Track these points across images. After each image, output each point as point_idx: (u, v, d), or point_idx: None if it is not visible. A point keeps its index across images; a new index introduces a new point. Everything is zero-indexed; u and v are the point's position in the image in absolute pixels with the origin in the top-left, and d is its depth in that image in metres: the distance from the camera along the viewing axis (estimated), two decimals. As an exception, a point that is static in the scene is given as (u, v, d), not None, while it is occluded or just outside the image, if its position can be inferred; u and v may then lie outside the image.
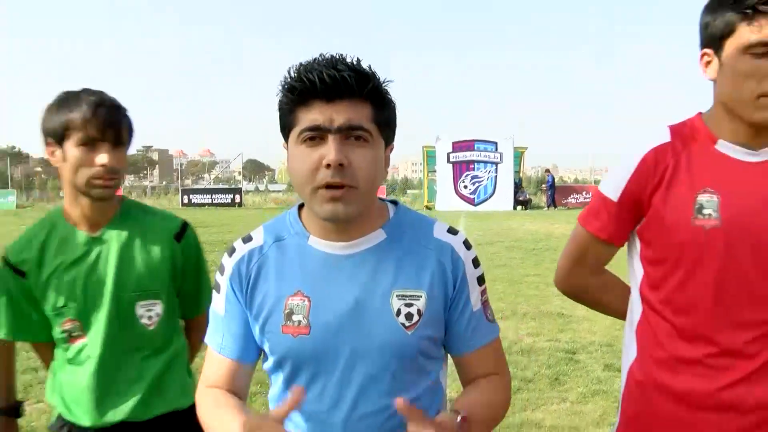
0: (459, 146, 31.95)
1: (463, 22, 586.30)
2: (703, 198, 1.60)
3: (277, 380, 1.44)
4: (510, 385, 1.54)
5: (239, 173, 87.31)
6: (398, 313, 1.35)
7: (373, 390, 1.36)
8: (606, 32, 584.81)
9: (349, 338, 1.35)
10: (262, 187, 74.28)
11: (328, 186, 1.27)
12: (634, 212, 1.72)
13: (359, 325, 1.35)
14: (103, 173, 1.88)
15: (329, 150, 1.27)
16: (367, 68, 1.32)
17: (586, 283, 1.91)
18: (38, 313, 2.00)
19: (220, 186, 43.70)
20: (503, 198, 30.76)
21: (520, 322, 7.32)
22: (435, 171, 32.72)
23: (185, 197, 34.46)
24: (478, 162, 31.94)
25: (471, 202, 31.15)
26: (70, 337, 1.99)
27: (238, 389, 1.47)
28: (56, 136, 1.90)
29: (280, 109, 1.37)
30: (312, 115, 1.29)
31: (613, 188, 1.73)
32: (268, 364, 1.45)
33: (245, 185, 46.70)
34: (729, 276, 1.58)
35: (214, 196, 34.35)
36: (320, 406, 1.37)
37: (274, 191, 49.28)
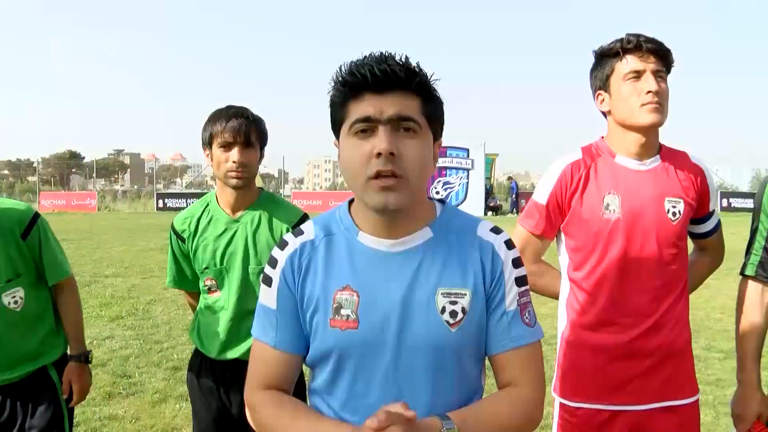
0: (436, 162, 32.31)
1: (438, 29, 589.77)
2: (608, 198, 2.14)
3: (322, 373, 1.46)
4: (539, 398, 1.46)
5: (211, 177, 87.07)
6: (443, 310, 1.37)
7: (416, 385, 1.38)
8: (583, 33, 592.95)
9: (395, 334, 1.37)
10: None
11: (379, 175, 1.31)
12: (558, 212, 2.22)
13: (405, 322, 1.37)
14: (235, 167, 2.44)
15: (380, 140, 1.30)
16: (415, 65, 1.37)
17: (528, 271, 2.28)
18: (191, 269, 2.66)
19: (195, 190, 43.49)
20: (474, 204, 31.13)
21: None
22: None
23: (160, 201, 34.32)
24: (450, 168, 32.32)
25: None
26: (209, 291, 2.58)
27: (291, 384, 1.51)
28: (206, 142, 2.53)
29: (332, 104, 1.41)
30: (363, 107, 1.33)
31: (542, 195, 2.25)
32: (312, 356, 1.46)
33: (218, 190, 46.48)
34: (629, 255, 2.11)
35: (189, 200, 33.94)
36: (364, 399, 1.39)
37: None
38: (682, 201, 2.15)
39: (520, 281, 1.45)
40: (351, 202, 1.50)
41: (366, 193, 1.34)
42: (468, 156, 32.26)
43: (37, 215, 2.54)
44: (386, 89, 1.32)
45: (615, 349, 2.14)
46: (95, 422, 4.58)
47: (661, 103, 2.08)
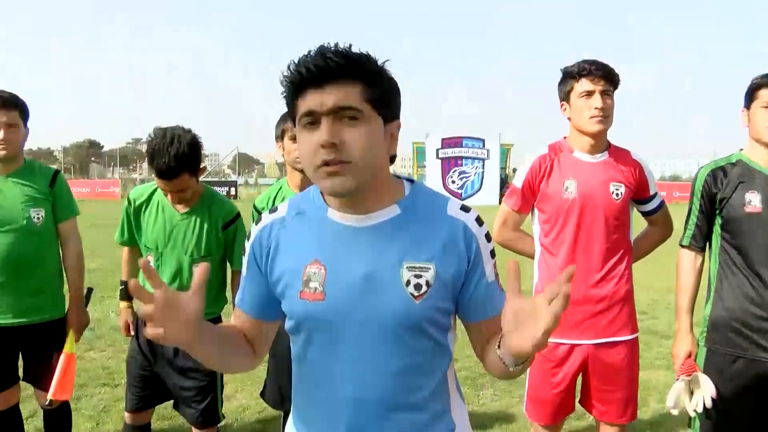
0: (448, 143, 32.90)
1: (457, 24, 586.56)
2: (567, 182, 2.81)
3: (296, 342, 1.55)
4: None
5: (227, 167, 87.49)
6: (408, 283, 1.42)
7: (383, 354, 1.44)
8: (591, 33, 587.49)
9: (361, 306, 1.42)
10: (251, 181, 74.72)
11: (325, 163, 1.36)
12: (530, 193, 2.91)
13: (371, 294, 1.42)
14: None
15: (321, 132, 1.35)
16: (356, 53, 1.39)
17: (509, 237, 3.10)
18: None
19: (212, 179, 44.23)
20: (489, 193, 31.74)
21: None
22: (424, 166, 33.65)
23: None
24: (466, 158, 32.92)
25: (458, 196, 32.10)
26: None
27: (252, 338, 1.64)
28: (279, 136, 3.08)
29: (286, 103, 1.46)
30: (306, 102, 1.37)
31: (518, 181, 2.95)
32: (288, 325, 1.55)
33: (236, 179, 47.59)
34: (583, 225, 2.80)
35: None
36: (335, 366, 1.46)
37: (264, 185, 49.84)
38: (623, 185, 2.81)
39: (492, 254, 1.53)
40: None
41: (317, 180, 1.41)
42: (483, 146, 32.84)
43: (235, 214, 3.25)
44: (324, 82, 1.35)
45: (573, 296, 2.76)
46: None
47: (605, 115, 2.76)
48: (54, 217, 3.30)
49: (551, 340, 2.77)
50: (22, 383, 3.40)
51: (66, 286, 3.41)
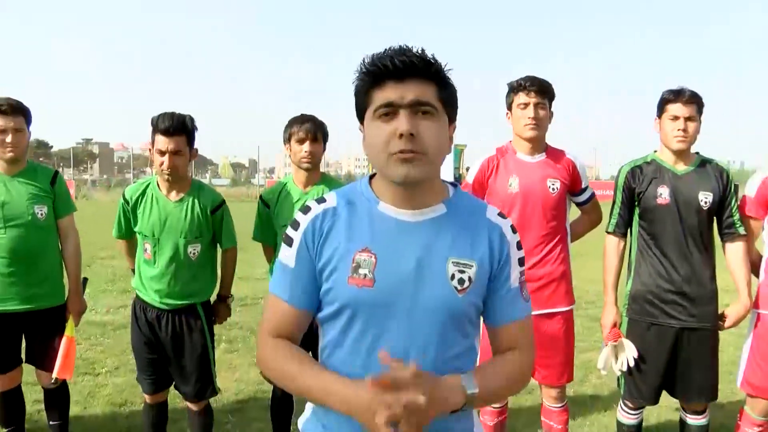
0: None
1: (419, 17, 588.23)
2: (511, 179, 3.29)
3: (333, 327, 1.57)
4: (531, 363, 1.66)
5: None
6: (452, 277, 1.50)
7: (423, 343, 1.51)
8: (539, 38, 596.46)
9: (408, 294, 1.49)
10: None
11: (401, 152, 1.44)
12: (480, 188, 3.37)
13: (417, 284, 1.49)
14: (306, 156, 3.56)
15: (401, 122, 1.44)
16: (431, 56, 1.50)
17: None
18: (274, 230, 3.71)
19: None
20: (445, 192, 32.31)
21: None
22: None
23: None
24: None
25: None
26: None
27: (299, 336, 1.64)
28: (286, 140, 3.67)
29: (357, 93, 1.55)
30: (386, 94, 1.46)
31: (470, 178, 3.41)
32: (325, 312, 1.58)
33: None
34: (524, 215, 3.26)
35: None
36: (372, 353, 1.50)
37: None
38: (558, 180, 3.30)
39: (521, 262, 1.62)
40: (371, 177, 1.65)
41: (388, 166, 1.48)
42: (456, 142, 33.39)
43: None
44: (406, 77, 1.46)
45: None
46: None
47: (538, 124, 3.25)
48: (54, 213, 3.66)
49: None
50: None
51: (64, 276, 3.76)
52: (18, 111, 3.50)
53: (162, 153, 3.27)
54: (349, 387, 1.41)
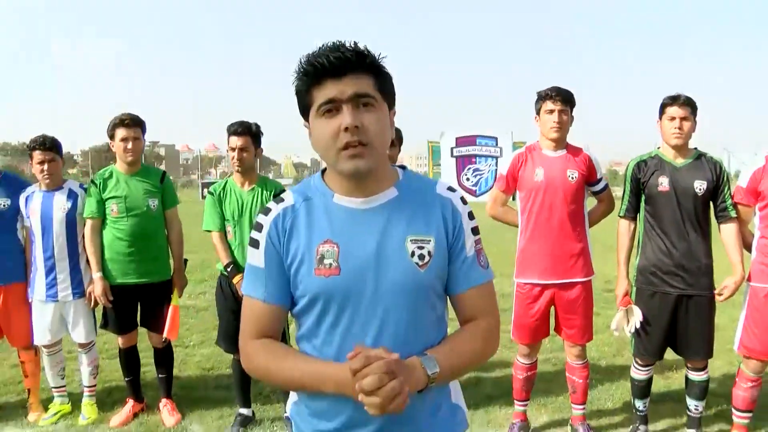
0: (462, 141, 33.44)
1: (468, 24, 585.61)
2: (537, 170, 3.88)
3: (307, 320, 1.62)
4: (497, 326, 1.70)
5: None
6: (413, 254, 1.56)
7: (394, 321, 1.56)
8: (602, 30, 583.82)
9: (373, 277, 1.55)
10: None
11: (348, 146, 1.48)
12: (512, 179, 4.00)
13: (381, 266, 1.55)
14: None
15: (345, 116, 1.48)
16: (364, 48, 1.53)
17: (499, 211, 4.22)
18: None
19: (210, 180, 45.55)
20: (502, 189, 32.67)
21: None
22: (439, 165, 34.49)
23: (204, 190, 36.47)
24: (480, 156, 33.38)
25: (473, 193, 32.50)
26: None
27: (279, 333, 1.67)
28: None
29: (298, 93, 1.58)
30: (326, 91, 1.49)
31: (503, 170, 4.04)
32: (299, 306, 1.63)
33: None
34: (547, 201, 3.87)
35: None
36: (348, 336, 1.56)
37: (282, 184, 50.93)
38: (576, 172, 3.90)
39: (475, 231, 1.68)
40: (323, 172, 1.71)
41: (338, 162, 1.53)
42: (497, 144, 33.25)
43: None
44: (343, 73, 1.49)
45: (542, 251, 3.91)
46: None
47: (561, 127, 3.88)
48: (162, 205, 4.49)
49: (528, 281, 3.91)
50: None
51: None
52: (136, 123, 4.37)
53: (233, 149, 4.16)
54: (343, 368, 1.44)
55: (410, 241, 1.58)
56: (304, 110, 1.60)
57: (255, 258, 1.65)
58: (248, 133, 4.22)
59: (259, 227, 1.65)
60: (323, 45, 1.53)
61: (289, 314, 1.70)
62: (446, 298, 1.70)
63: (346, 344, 1.54)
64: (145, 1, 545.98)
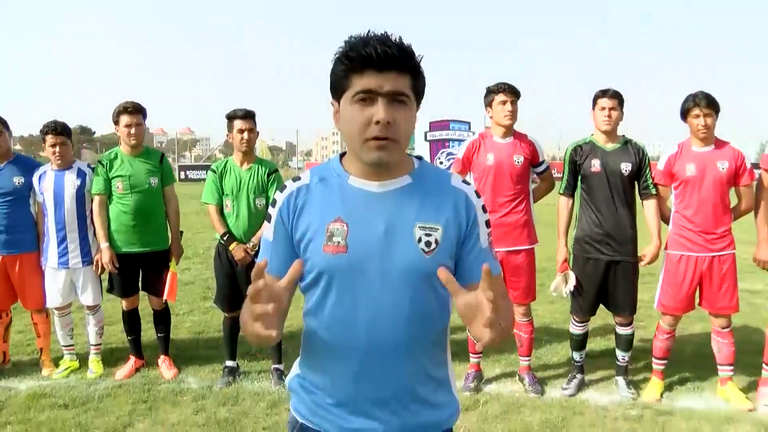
0: (435, 126, 33.86)
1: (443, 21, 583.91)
2: (488, 155, 4.55)
3: (313, 295, 1.68)
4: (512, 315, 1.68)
5: (218, 151, 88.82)
6: (419, 240, 1.60)
7: (395, 303, 1.61)
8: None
9: (379, 258, 1.60)
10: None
11: (376, 138, 1.54)
12: (467, 162, 4.63)
13: (387, 248, 1.60)
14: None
15: (379, 110, 1.52)
16: (408, 46, 1.56)
17: None
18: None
19: (207, 163, 45.80)
20: (475, 173, 33.50)
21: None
22: (413, 148, 35.17)
23: (182, 173, 36.83)
24: (453, 140, 34.03)
25: (446, 177, 33.65)
26: None
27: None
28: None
29: (334, 74, 1.60)
30: (365, 81, 1.53)
31: (460, 155, 4.64)
32: (306, 281, 1.68)
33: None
34: (497, 181, 4.55)
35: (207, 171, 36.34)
36: (351, 314, 1.62)
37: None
38: (522, 156, 4.56)
39: (488, 224, 1.72)
40: (342, 155, 1.73)
41: (363, 150, 1.57)
42: (469, 129, 33.80)
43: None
44: (386, 68, 1.52)
45: (492, 224, 4.51)
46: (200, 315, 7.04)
47: (512, 116, 4.54)
48: (161, 183, 5.06)
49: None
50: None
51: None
52: (139, 110, 4.94)
53: (241, 131, 4.75)
54: None
55: (418, 227, 1.62)
56: (337, 91, 1.63)
57: (267, 231, 1.74)
58: (252, 117, 4.85)
59: (273, 203, 1.72)
60: (370, 33, 1.56)
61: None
62: None
63: (350, 321, 1.62)
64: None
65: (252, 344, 1.74)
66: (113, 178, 4.90)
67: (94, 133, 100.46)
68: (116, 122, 4.92)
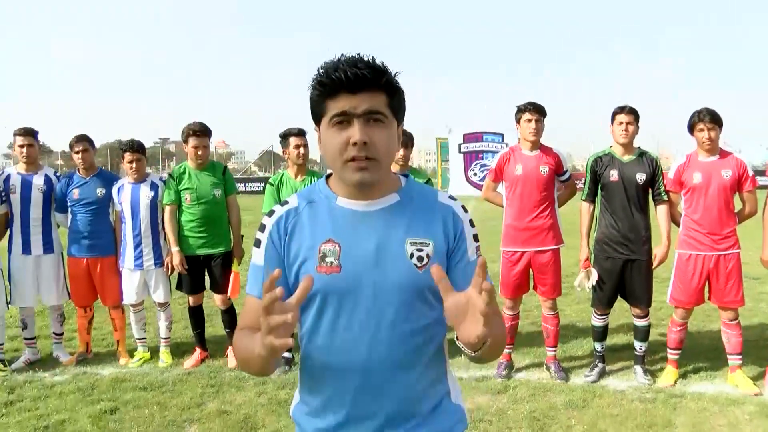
0: (469, 137, 34.22)
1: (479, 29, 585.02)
2: (517, 166, 5.15)
3: (308, 315, 1.67)
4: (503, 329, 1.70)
5: (253, 164, 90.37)
6: (411, 256, 1.62)
7: (391, 318, 1.61)
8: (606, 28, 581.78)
9: (372, 276, 1.61)
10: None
11: (354, 159, 1.55)
12: (500, 171, 5.21)
13: (380, 265, 1.61)
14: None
15: (355, 131, 1.54)
16: (381, 64, 1.57)
17: (490, 195, 5.43)
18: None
19: (252, 176, 46.81)
20: (508, 184, 33.84)
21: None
22: (448, 160, 35.46)
23: None
24: (486, 152, 34.15)
25: (480, 188, 33.41)
26: None
27: None
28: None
29: (312, 100, 1.62)
30: (340, 104, 1.55)
31: (494, 165, 5.24)
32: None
33: (267, 175, 50.61)
34: (525, 189, 5.13)
35: (246, 184, 37.42)
36: (347, 333, 1.63)
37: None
38: (548, 167, 5.11)
39: (476, 238, 1.73)
40: (327, 177, 1.76)
41: (344, 172, 1.59)
42: (502, 140, 33.97)
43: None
44: (358, 89, 1.54)
45: (519, 226, 5.14)
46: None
47: (536, 133, 5.11)
48: (224, 193, 5.70)
49: (511, 249, 5.12)
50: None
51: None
52: (205, 133, 5.60)
53: (297, 147, 5.39)
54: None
55: (410, 243, 1.63)
56: (316, 117, 1.65)
57: (256, 256, 1.72)
58: (305, 134, 5.47)
59: (262, 227, 1.73)
60: (342, 56, 1.58)
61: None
62: None
63: (346, 339, 1.62)
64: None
65: (253, 372, 1.61)
66: (182, 190, 5.57)
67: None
68: (185, 141, 5.59)
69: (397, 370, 1.63)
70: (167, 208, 5.59)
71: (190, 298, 5.83)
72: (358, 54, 1.58)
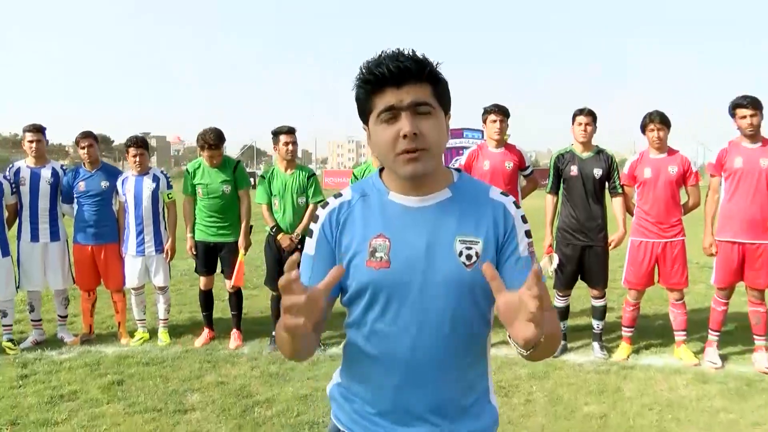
0: (450, 134, 35.34)
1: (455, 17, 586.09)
2: (485, 161, 5.84)
3: (357, 308, 1.68)
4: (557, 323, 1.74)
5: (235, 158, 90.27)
6: (460, 254, 1.60)
7: (437, 316, 1.61)
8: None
9: (421, 272, 1.60)
10: (259, 172, 77.78)
11: (405, 151, 1.55)
12: (468, 167, 5.81)
13: (429, 262, 1.60)
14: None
15: (404, 124, 1.54)
16: (422, 56, 1.59)
17: None
18: None
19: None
20: (488, 180, 34.65)
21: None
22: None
23: None
24: (467, 148, 34.89)
25: (459, 183, 34.60)
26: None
27: (319, 321, 1.56)
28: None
29: (358, 99, 1.65)
30: (386, 99, 1.56)
31: (463, 161, 5.91)
32: (348, 295, 1.69)
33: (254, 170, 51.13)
34: (492, 181, 5.50)
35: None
36: (393, 327, 1.63)
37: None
38: (512, 162, 5.69)
39: (528, 234, 1.70)
40: (381, 170, 1.76)
41: (396, 165, 1.59)
42: (482, 137, 34.82)
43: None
44: (402, 82, 1.55)
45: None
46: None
47: (501, 132, 5.69)
48: (235, 187, 6.15)
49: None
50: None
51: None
52: (218, 143, 6.01)
53: (287, 144, 5.87)
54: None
55: (459, 241, 1.62)
56: (364, 115, 1.67)
57: (308, 246, 1.74)
58: (294, 132, 5.98)
59: (316, 219, 1.74)
60: (383, 52, 1.59)
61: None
62: (492, 301, 1.54)
63: (392, 334, 1.63)
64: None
65: (285, 355, 1.68)
66: (196, 184, 6.11)
67: (113, 141, 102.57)
68: (201, 147, 6.07)
69: (439, 367, 1.64)
70: (185, 199, 6.21)
71: (201, 282, 6.33)
72: (398, 49, 1.60)
